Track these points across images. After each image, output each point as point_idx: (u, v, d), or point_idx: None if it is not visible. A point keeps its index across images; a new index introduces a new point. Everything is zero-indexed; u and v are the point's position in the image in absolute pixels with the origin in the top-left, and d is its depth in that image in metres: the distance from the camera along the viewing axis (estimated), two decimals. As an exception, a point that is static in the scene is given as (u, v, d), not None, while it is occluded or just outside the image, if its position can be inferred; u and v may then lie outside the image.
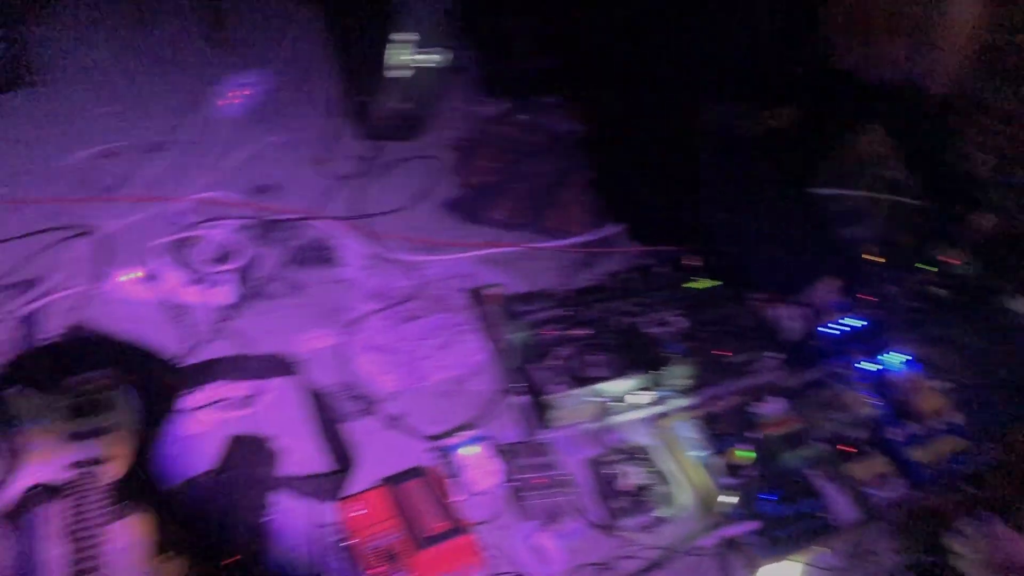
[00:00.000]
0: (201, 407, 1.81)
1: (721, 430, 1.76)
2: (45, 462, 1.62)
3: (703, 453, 1.73)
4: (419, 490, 1.64)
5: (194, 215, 2.24)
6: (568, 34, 2.58)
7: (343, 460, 1.72)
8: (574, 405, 1.77)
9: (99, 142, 2.46)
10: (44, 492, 1.60)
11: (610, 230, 2.28)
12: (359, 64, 2.50)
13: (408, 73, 2.21)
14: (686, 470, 1.72)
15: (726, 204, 2.03)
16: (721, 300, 2.00)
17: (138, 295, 2.02)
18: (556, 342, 1.86)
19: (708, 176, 2.07)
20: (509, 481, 1.70)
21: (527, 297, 1.97)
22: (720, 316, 1.95)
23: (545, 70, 2.63)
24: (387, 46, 2.13)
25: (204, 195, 2.29)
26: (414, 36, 2.15)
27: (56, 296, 2.02)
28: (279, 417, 1.80)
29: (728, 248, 2.03)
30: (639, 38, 2.29)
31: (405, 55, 2.16)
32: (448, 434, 1.76)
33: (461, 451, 1.72)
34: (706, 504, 1.68)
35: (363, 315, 2.03)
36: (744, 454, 1.72)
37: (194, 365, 1.86)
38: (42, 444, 1.65)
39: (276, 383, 1.87)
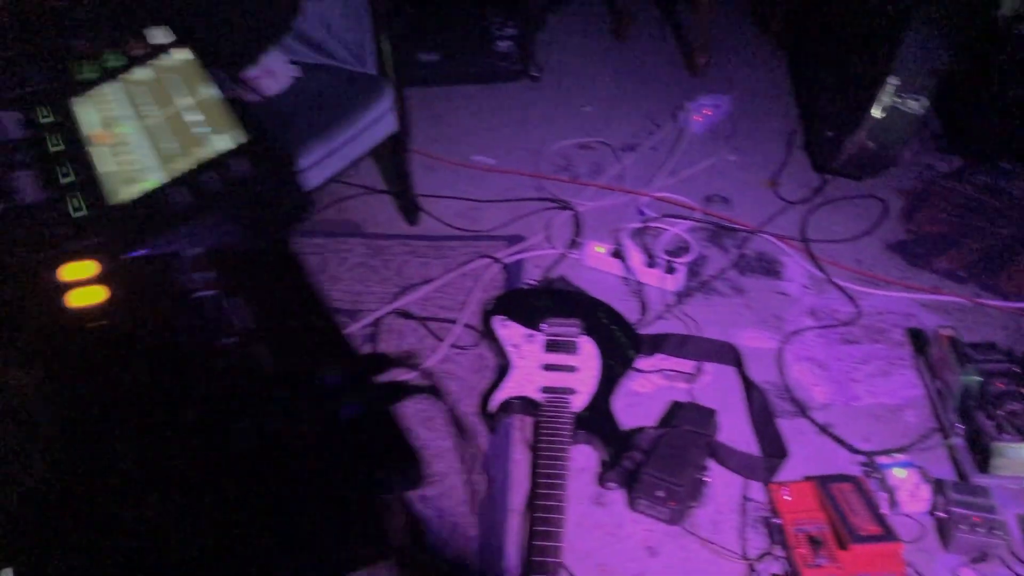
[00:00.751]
0: (650, 371, 2.05)
1: None
2: (525, 381, 1.94)
3: None
4: (850, 493, 1.73)
5: (655, 210, 2.52)
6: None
7: (775, 449, 1.85)
8: (1020, 458, 1.75)
9: (580, 135, 2.85)
10: (522, 404, 1.93)
11: (1070, 303, 2.21)
12: (831, 99, 2.64)
13: (885, 115, 2.30)
14: None
15: None
16: None
17: (605, 266, 2.32)
18: (1006, 395, 1.85)
19: None
20: (937, 511, 1.73)
21: (977, 346, 1.97)
22: None
23: (1012, 135, 2.59)
24: (877, 87, 2.24)
25: (665, 194, 2.57)
26: (902, 81, 2.25)
27: (536, 252, 2.38)
28: (717, 396, 1.98)
29: None
30: None
31: (890, 97, 2.26)
32: (881, 453, 1.83)
33: (894, 471, 1.78)
34: None
35: (802, 328, 2.15)
36: None
37: (648, 335, 2.10)
38: (524, 366, 1.98)
39: (716, 367, 2.06)
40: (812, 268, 2.33)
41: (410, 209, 2.50)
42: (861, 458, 1.85)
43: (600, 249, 2.34)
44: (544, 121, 2.92)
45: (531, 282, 2.28)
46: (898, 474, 1.78)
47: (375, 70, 2.24)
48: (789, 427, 1.91)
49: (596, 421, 1.87)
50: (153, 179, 0.70)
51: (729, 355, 2.07)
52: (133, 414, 0.53)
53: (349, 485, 0.50)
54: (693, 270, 2.32)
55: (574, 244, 2.40)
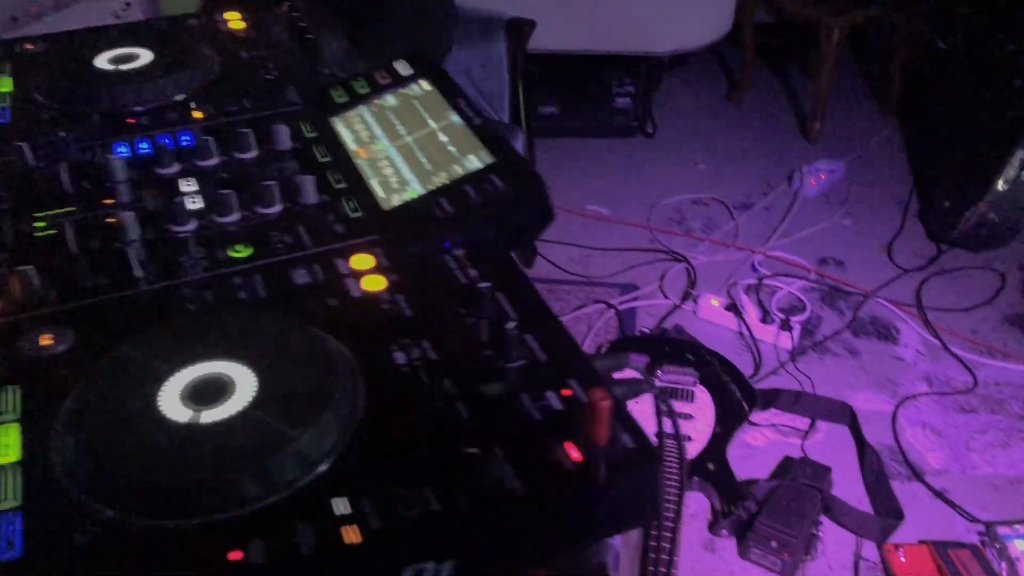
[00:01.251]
0: (764, 425, 2.07)
1: None
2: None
3: None
4: (969, 560, 1.72)
5: (768, 268, 2.56)
6: None
7: (890, 510, 1.86)
8: None
9: (694, 191, 2.92)
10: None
11: None
12: (949, 169, 2.67)
13: (1009, 187, 2.32)
14: None
15: None
16: None
17: (719, 320, 2.37)
18: None
19: None
20: (1061, 587, 1.71)
21: (1103, 423, 1.95)
22: None
23: None
24: (1002, 159, 2.27)
25: (780, 254, 2.61)
26: (1028, 155, 2.27)
27: (650, 302, 2.45)
28: (830, 454, 1.99)
29: None
30: None
31: (1016, 170, 2.28)
32: (1001, 523, 1.82)
33: (1015, 542, 1.76)
34: None
35: (916, 393, 2.16)
36: None
37: (762, 389, 2.13)
38: (639, 411, 2.03)
39: (829, 426, 2.08)
40: (927, 335, 2.33)
41: (527, 252, 2.59)
42: (979, 527, 1.84)
43: (715, 302, 2.38)
44: (658, 176, 3.00)
45: (645, 330, 2.34)
46: (1020, 546, 1.76)
47: (508, 119, 2.35)
48: (903, 490, 1.91)
49: (710, 469, 1.90)
50: (414, 190, 0.79)
51: (843, 414, 2.08)
52: (430, 381, 0.62)
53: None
54: (807, 329, 2.35)
55: (688, 296, 2.46)
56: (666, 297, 2.48)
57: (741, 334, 2.33)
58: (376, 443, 0.57)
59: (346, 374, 0.60)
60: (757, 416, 2.08)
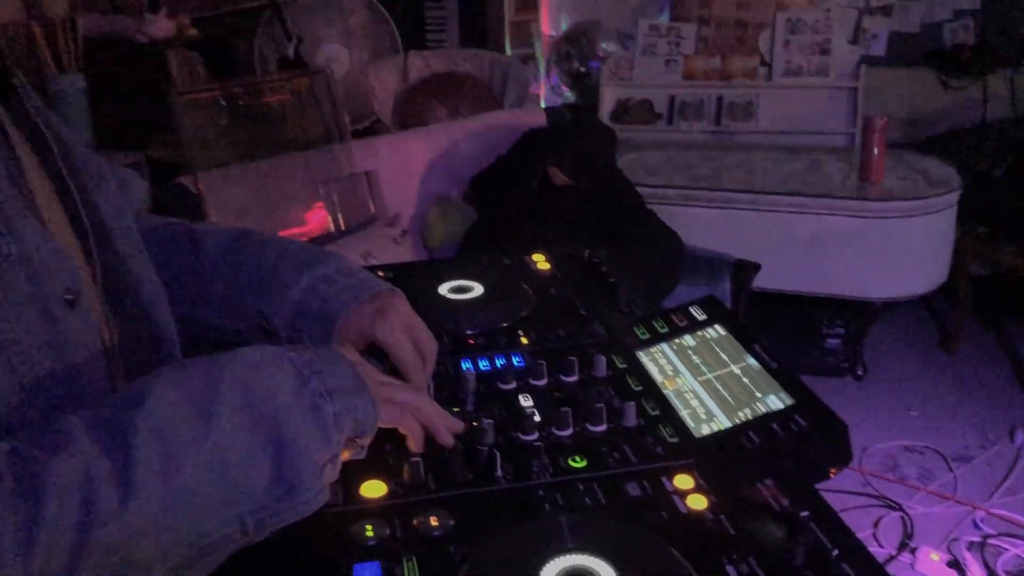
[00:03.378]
0: None
1: None
2: None
3: None
4: None
5: (991, 526, 2.44)
6: None
7: None
8: None
9: (907, 437, 2.87)
10: None
11: None
12: None
13: None
14: None
15: None
16: None
17: (938, 575, 2.26)
18: None
19: None
20: None
21: None
22: None
23: None
24: None
25: (1004, 512, 2.49)
26: None
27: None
28: None
29: None
30: None
31: None
32: None
33: None
34: None
35: None
36: None
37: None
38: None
39: None
40: None
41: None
42: None
43: (935, 557, 2.29)
44: (868, 419, 2.98)
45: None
46: None
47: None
48: None
49: None
50: (721, 422, 0.91)
51: None
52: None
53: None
54: (1039, 598, 2.20)
55: (905, 547, 2.37)
56: (880, 546, 2.40)
57: (966, 594, 2.22)
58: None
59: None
60: None
